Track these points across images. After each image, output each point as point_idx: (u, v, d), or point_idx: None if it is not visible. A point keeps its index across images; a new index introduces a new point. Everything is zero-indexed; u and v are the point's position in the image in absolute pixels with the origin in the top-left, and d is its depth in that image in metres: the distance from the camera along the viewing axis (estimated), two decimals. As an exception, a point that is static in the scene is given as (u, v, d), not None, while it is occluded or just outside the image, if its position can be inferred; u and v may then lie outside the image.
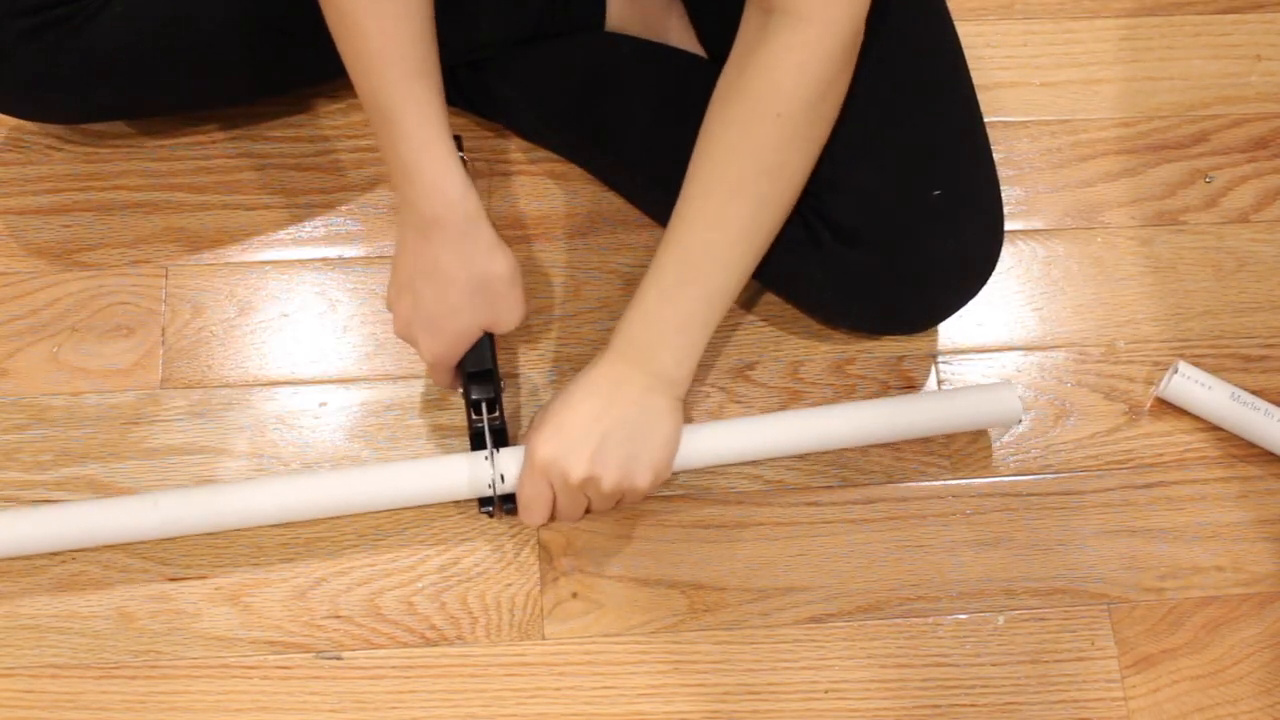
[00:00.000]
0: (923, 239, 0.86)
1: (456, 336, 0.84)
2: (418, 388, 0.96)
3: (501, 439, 0.89)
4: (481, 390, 0.87)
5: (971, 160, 0.88)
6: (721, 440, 0.90)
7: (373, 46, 0.77)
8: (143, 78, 0.92)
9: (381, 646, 0.89)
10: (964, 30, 0.93)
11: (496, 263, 0.83)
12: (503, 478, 0.87)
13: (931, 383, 0.99)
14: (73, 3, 0.87)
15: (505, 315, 0.85)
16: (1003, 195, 0.90)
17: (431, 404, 0.96)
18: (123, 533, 0.88)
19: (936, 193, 0.84)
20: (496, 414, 0.88)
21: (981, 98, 0.91)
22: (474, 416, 0.89)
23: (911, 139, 0.86)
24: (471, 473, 0.87)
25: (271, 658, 0.88)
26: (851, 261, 0.88)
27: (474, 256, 0.82)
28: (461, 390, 0.91)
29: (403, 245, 0.84)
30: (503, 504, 0.88)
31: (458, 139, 0.85)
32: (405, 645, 0.89)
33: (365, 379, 0.97)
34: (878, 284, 0.89)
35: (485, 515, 0.91)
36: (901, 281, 0.88)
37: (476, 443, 0.90)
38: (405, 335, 0.86)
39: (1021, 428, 0.98)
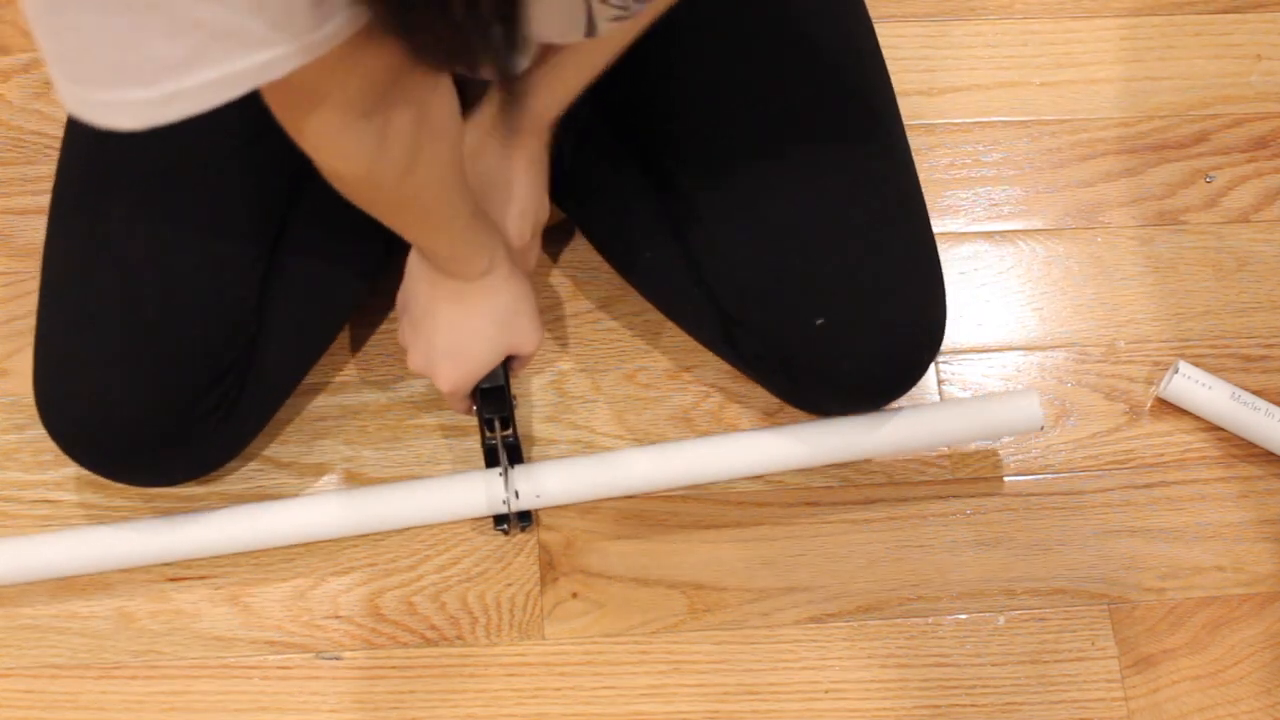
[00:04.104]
0: (814, 364, 0.85)
1: (478, 362, 0.84)
2: (418, 388, 0.96)
3: (515, 455, 0.89)
4: (494, 407, 0.86)
5: (859, 285, 0.83)
6: (750, 451, 0.91)
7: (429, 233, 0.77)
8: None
9: (381, 646, 0.89)
10: (964, 30, 0.93)
11: (513, 288, 0.82)
12: (517, 494, 0.87)
13: (931, 382, 0.99)
14: (241, 367, 0.84)
15: (523, 338, 0.84)
16: (916, 303, 0.84)
17: (431, 404, 0.96)
18: (148, 557, 0.88)
19: (819, 321, 0.83)
20: (510, 431, 0.88)
21: (981, 98, 0.90)
22: (487, 434, 0.88)
23: (799, 266, 0.84)
24: (487, 491, 0.87)
25: (271, 658, 0.88)
26: (769, 375, 0.89)
27: (494, 286, 0.81)
28: (476, 409, 0.90)
29: (418, 278, 0.83)
30: (518, 520, 0.88)
31: None
32: (405, 645, 0.89)
33: (365, 379, 0.97)
34: (794, 396, 0.89)
35: (500, 533, 0.91)
36: (812, 396, 0.88)
37: (490, 460, 0.90)
38: (423, 366, 0.84)
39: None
